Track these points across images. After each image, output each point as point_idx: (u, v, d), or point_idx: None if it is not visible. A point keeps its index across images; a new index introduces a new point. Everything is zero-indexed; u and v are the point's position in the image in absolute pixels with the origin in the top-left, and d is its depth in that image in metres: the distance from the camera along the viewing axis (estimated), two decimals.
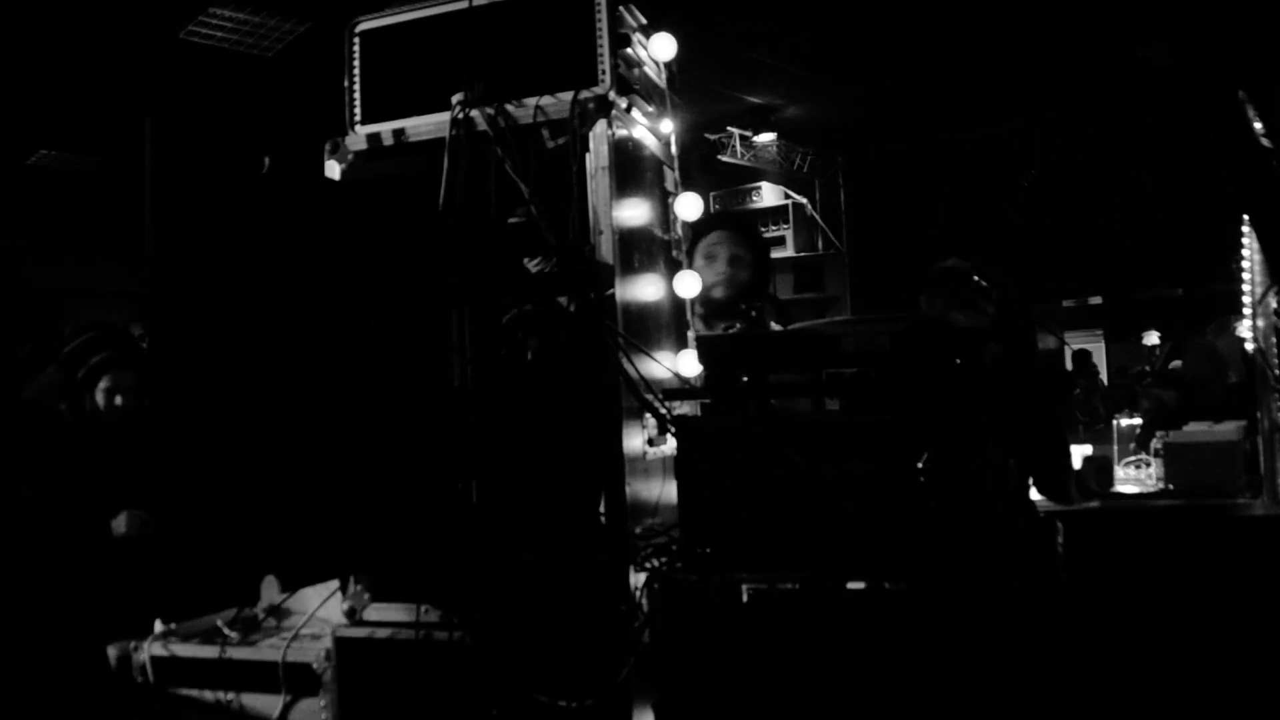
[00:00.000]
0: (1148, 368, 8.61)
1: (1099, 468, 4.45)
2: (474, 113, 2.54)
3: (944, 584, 2.02)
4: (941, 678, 2.00)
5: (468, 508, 2.56)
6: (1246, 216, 3.59)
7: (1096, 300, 9.99)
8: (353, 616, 2.55)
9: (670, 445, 2.60)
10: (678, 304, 2.89)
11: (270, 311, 3.27)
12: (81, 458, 4.18)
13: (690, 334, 2.90)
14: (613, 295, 2.43)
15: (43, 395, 4.38)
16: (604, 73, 2.50)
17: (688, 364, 2.78)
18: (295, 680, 2.56)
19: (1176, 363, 6.52)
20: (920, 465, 2.13)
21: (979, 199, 8.80)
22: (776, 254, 9.32)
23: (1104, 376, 10.07)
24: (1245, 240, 3.76)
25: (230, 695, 2.63)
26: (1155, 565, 1.92)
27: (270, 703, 2.58)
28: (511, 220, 2.54)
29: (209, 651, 2.67)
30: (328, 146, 2.76)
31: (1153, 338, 8.64)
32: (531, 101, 2.52)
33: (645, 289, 2.68)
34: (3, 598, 3.79)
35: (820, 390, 2.74)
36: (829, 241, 9.51)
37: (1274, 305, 3.56)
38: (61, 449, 4.19)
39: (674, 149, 2.92)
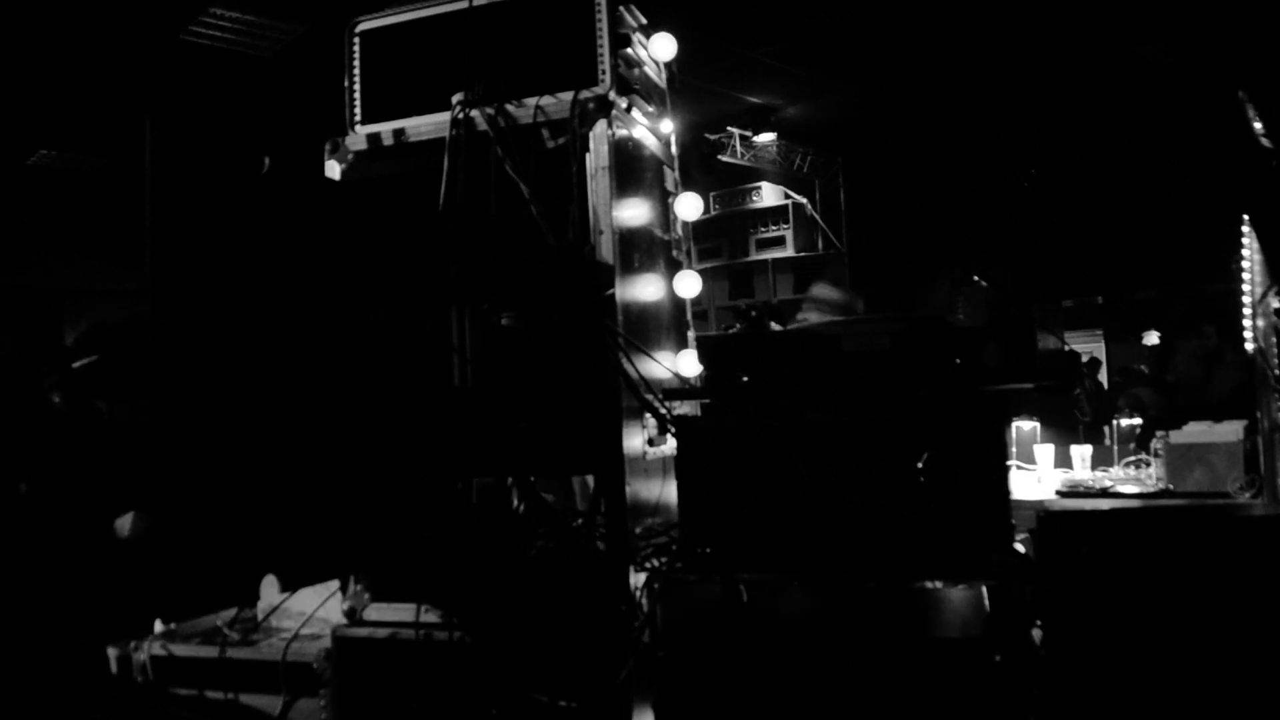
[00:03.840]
0: (1144, 368, 8.62)
1: None
2: (474, 113, 2.54)
3: (943, 584, 2.02)
4: (941, 678, 2.00)
5: (468, 508, 2.56)
6: (1246, 216, 3.59)
7: (1097, 300, 9.99)
8: (353, 616, 2.55)
9: (670, 445, 2.60)
10: (678, 304, 2.89)
11: (270, 311, 3.27)
12: (81, 452, 4.18)
13: (690, 334, 2.90)
14: (613, 295, 2.43)
15: (39, 391, 4.39)
16: (604, 73, 2.50)
17: (688, 364, 2.78)
18: (295, 680, 2.56)
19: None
20: (920, 465, 2.13)
21: (979, 199, 8.79)
22: (776, 254, 9.33)
23: (1103, 376, 10.07)
24: (1245, 240, 3.75)
25: (230, 695, 2.62)
26: (1155, 565, 1.92)
27: (270, 703, 2.58)
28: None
29: (209, 651, 2.67)
30: (328, 146, 2.76)
31: (1153, 338, 8.64)
32: (531, 101, 2.53)
33: (645, 289, 2.68)
34: (11, 598, 3.79)
35: (819, 390, 2.74)
36: (829, 241, 9.50)
37: (1274, 305, 3.56)
38: (59, 442, 4.19)
39: (674, 149, 2.92)
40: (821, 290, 6.04)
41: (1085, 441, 5.09)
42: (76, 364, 4.28)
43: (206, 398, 3.20)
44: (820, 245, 9.49)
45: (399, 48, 2.72)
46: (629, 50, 2.56)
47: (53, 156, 8.74)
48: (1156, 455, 4.48)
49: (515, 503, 2.56)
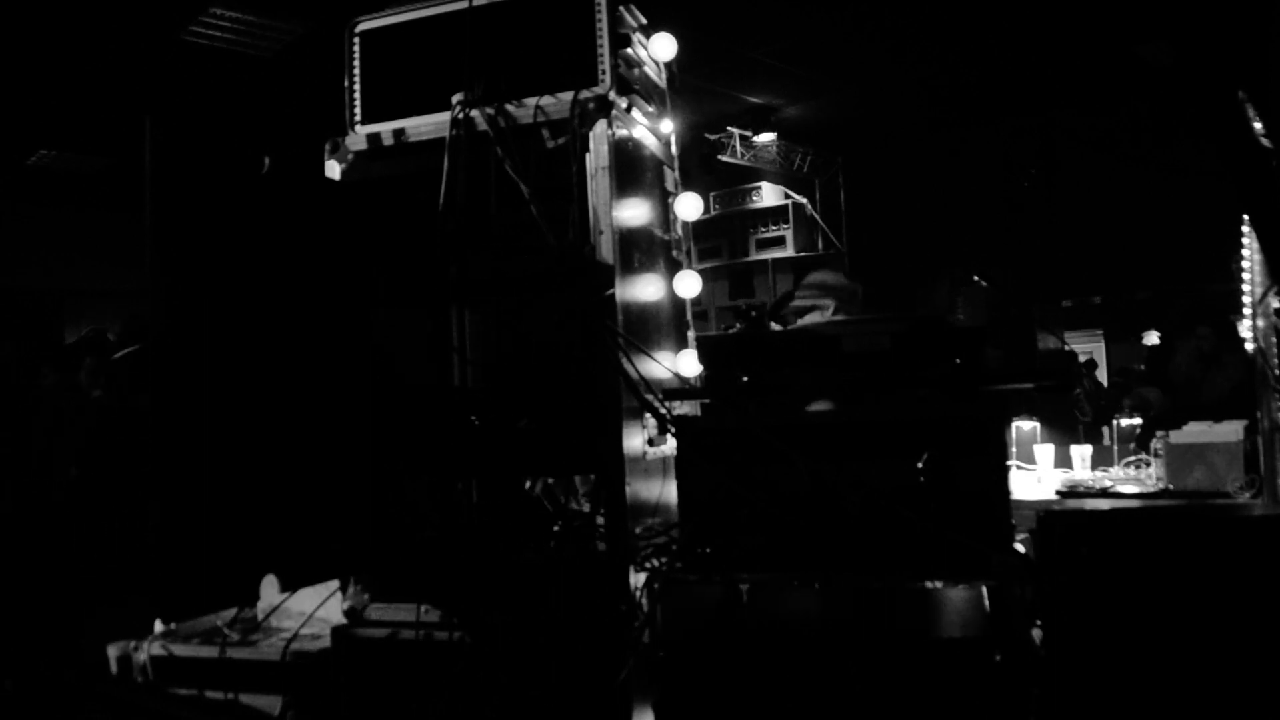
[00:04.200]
0: (1142, 367, 8.61)
1: None
2: (474, 113, 2.54)
3: (943, 584, 2.02)
4: (941, 678, 2.00)
5: (468, 508, 2.56)
6: (1246, 216, 3.59)
7: (1096, 300, 10.00)
8: (353, 616, 2.55)
9: (670, 445, 2.60)
10: (678, 304, 2.89)
11: (270, 311, 3.27)
12: (121, 441, 4.22)
13: (690, 334, 2.90)
14: (613, 295, 2.43)
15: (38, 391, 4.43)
16: (604, 73, 2.50)
17: (688, 364, 2.78)
18: (295, 680, 2.56)
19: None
20: (920, 465, 2.13)
21: (979, 199, 8.79)
22: (776, 254, 9.33)
23: (1102, 377, 10.07)
24: (1245, 240, 3.76)
25: (230, 695, 2.62)
26: (1155, 565, 1.92)
27: (270, 703, 2.58)
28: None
29: (209, 651, 2.67)
30: (328, 146, 2.76)
31: (1153, 338, 8.64)
32: (531, 101, 2.53)
33: (645, 289, 2.68)
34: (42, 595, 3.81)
35: (820, 390, 2.74)
36: (829, 241, 9.49)
37: (1274, 305, 3.56)
38: (101, 432, 4.24)
39: (674, 149, 2.92)
40: (819, 276, 5.98)
41: (1085, 441, 5.08)
42: (117, 355, 4.32)
43: (207, 398, 3.20)
44: (820, 245, 9.48)
45: (399, 48, 2.72)
46: (629, 50, 2.56)
47: (53, 156, 8.74)
48: (1156, 455, 4.48)
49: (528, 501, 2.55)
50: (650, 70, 2.77)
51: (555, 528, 2.48)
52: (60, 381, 4.48)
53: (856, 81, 8.01)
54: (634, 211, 2.62)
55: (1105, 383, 9.49)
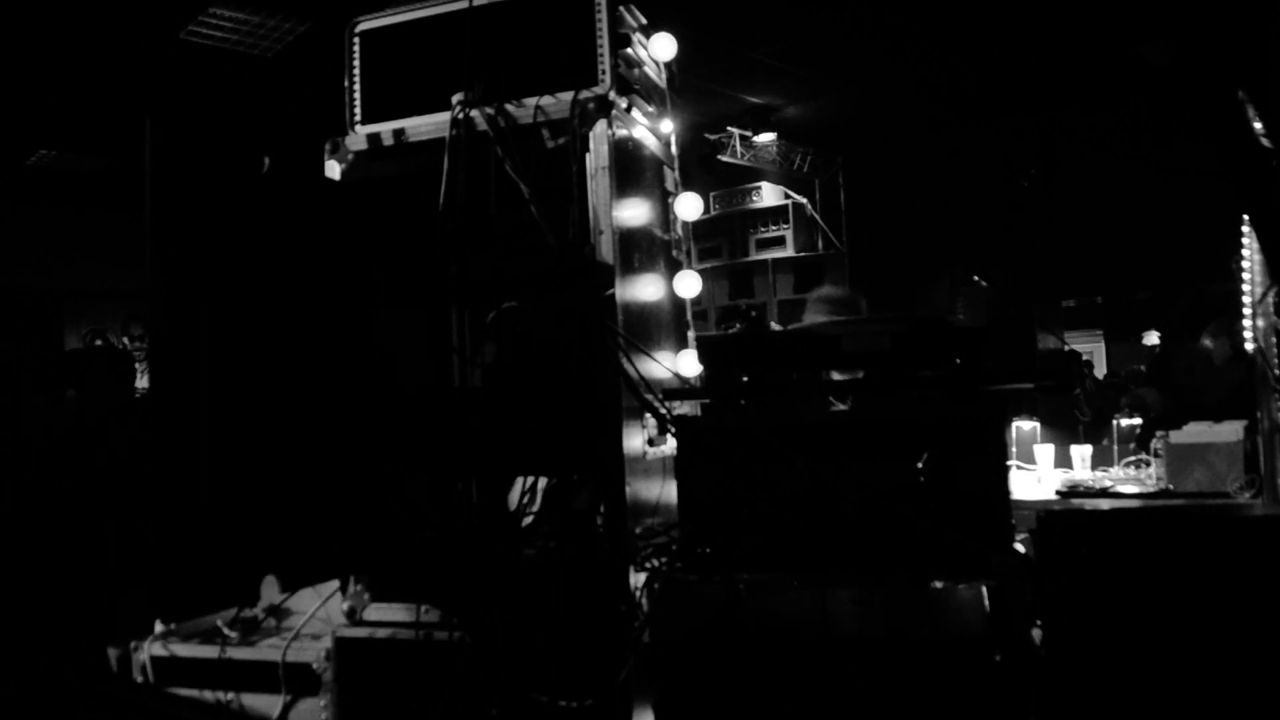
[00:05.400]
0: (1142, 368, 8.61)
1: None
2: (474, 113, 2.54)
3: (943, 584, 2.02)
4: (941, 678, 2.00)
5: (468, 508, 2.56)
6: (1246, 216, 3.60)
7: (1097, 300, 10.00)
8: (353, 616, 2.55)
9: (670, 445, 2.60)
10: (678, 304, 2.89)
11: (270, 311, 3.27)
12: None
13: (690, 334, 2.90)
14: (613, 295, 2.43)
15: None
16: (604, 73, 2.50)
17: (688, 364, 2.78)
18: (295, 680, 2.56)
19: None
20: (920, 465, 2.13)
21: (979, 199, 8.79)
22: (776, 254, 9.33)
23: (1099, 376, 10.07)
24: (1245, 240, 3.76)
25: (230, 695, 2.62)
26: (1155, 565, 1.92)
27: (270, 703, 2.58)
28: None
29: (209, 651, 2.67)
30: (328, 146, 2.76)
31: (1153, 338, 8.65)
32: (531, 101, 2.53)
33: (645, 289, 2.68)
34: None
35: (820, 390, 2.74)
36: (829, 241, 9.49)
37: (1274, 305, 3.56)
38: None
39: (674, 149, 2.92)
40: (827, 290, 6.08)
41: (1085, 441, 5.09)
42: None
43: (207, 397, 3.20)
44: (820, 245, 9.48)
45: (399, 48, 2.72)
46: (629, 50, 2.56)
47: (53, 156, 8.73)
48: (1156, 455, 4.48)
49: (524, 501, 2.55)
50: (650, 70, 2.77)
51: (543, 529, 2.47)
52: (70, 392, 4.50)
53: (856, 81, 8.01)
54: (634, 211, 2.62)
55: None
